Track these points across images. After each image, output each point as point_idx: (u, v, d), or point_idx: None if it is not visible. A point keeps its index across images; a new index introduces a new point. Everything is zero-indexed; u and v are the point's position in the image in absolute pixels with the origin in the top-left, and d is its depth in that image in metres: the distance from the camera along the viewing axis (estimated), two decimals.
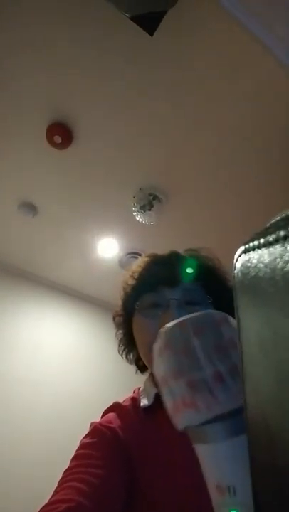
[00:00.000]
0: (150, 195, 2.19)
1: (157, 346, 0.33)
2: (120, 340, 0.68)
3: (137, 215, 2.25)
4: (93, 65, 1.68)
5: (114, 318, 0.69)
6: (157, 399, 0.59)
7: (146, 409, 0.60)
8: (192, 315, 0.32)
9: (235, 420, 0.28)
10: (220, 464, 0.29)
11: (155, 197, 2.20)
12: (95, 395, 2.54)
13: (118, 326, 0.68)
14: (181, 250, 0.67)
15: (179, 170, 2.12)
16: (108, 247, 2.65)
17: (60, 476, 0.51)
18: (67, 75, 1.72)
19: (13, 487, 2.02)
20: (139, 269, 0.64)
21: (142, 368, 0.68)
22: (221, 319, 0.32)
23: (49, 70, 1.70)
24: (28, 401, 2.33)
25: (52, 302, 2.93)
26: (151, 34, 1.36)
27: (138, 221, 2.31)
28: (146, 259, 0.66)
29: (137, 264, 0.67)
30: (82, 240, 2.63)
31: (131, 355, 0.69)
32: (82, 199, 2.33)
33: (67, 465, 0.52)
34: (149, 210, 2.21)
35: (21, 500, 1.98)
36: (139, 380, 0.70)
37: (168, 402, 0.31)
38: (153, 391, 0.61)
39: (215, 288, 0.61)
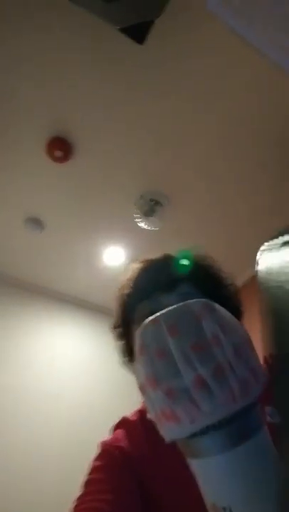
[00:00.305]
0: (151, 200, 2.20)
1: (136, 350, 0.30)
2: (121, 352, 0.66)
3: (140, 221, 2.26)
4: (87, 76, 1.71)
5: (112, 330, 0.67)
6: None
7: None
8: (167, 309, 0.28)
9: (229, 430, 0.24)
10: (214, 482, 0.26)
11: (156, 202, 2.21)
12: (111, 405, 2.51)
13: (117, 337, 0.66)
14: (174, 252, 0.65)
15: (177, 172, 2.14)
16: (114, 256, 2.66)
17: (74, 490, 0.51)
18: (63, 87, 1.76)
19: (24, 500, 2.01)
20: (133, 277, 0.62)
21: None
22: (201, 310, 0.27)
23: (46, 82, 1.74)
24: (43, 415, 2.33)
25: (63, 314, 2.94)
26: (141, 43, 1.39)
27: (142, 227, 2.32)
28: (138, 265, 0.64)
29: (130, 272, 0.64)
30: (89, 250, 2.64)
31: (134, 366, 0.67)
32: (86, 210, 2.35)
33: (82, 480, 0.52)
34: (152, 215, 2.22)
35: None
36: None
37: (150, 413, 0.28)
38: None
39: (211, 287, 0.59)
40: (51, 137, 1.94)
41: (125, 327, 0.62)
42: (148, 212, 2.22)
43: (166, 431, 0.27)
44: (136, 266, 0.64)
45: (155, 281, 0.58)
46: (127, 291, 0.61)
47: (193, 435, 0.25)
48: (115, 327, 0.66)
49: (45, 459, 2.18)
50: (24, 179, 2.17)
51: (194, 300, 0.29)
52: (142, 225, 2.28)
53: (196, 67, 1.67)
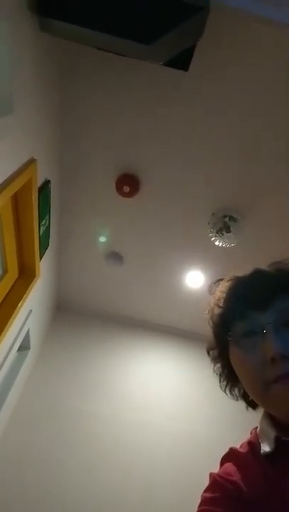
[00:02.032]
0: (224, 216, 2.13)
1: None
2: (220, 375, 0.62)
3: (216, 240, 2.19)
4: (146, 113, 1.82)
5: (208, 352, 0.64)
6: (279, 443, 0.51)
7: (267, 456, 0.52)
8: None
9: None
10: None
11: (230, 217, 2.12)
12: (211, 433, 2.38)
13: (214, 360, 0.62)
14: (264, 265, 0.60)
15: (247, 184, 2.03)
16: (196, 279, 2.61)
17: None
18: (126, 127, 1.90)
19: None
20: (224, 295, 0.58)
21: (251, 403, 0.61)
22: None
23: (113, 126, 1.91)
24: (143, 446, 2.33)
25: (152, 343, 3.00)
26: (186, 70, 1.42)
27: (218, 246, 2.24)
28: (228, 282, 0.60)
29: (221, 290, 0.60)
30: (170, 277, 2.66)
31: (236, 391, 0.62)
32: (161, 238, 2.41)
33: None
34: (227, 232, 2.13)
35: None
36: (257, 415, 0.61)
37: None
38: (272, 433, 0.53)
39: None
40: (119, 175, 2.09)
41: (221, 349, 0.59)
42: (223, 230, 2.14)
43: None
44: (225, 284, 0.61)
45: (248, 298, 0.54)
46: (218, 311, 0.58)
47: None
48: (211, 349, 0.63)
49: (152, 493, 2.13)
50: (99, 215, 2.35)
51: None
52: (218, 243, 2.20)
53: (249, 78, 1.62)
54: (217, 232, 2.13)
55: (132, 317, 3.07)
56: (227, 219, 2.12)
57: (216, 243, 2.22)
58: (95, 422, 2.37)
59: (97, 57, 1.66)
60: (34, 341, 2.45)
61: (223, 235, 2.12)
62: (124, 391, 2.60)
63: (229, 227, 2.11)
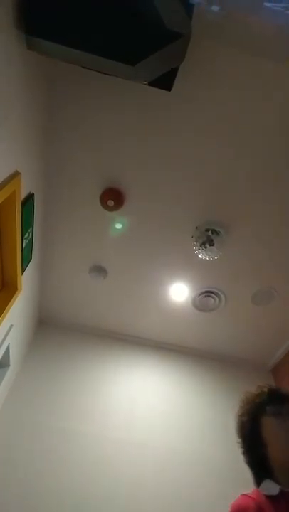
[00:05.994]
0: (207, 230, 2.18)
1: None
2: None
3: (199, 253, 2.23)
4: (130, 129, 1.86)
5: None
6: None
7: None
8: None
9: None
10: None
11: (213, 231, 2.17)
12: (198, 449, 2.34)
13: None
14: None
15: (230, 198, 2.10)
16: (180, 292, 2.63)
17: None
18: (112, 142, 1.93)
19: None
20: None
21: (262, 470, 0.83)
22: None
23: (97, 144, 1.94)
24: (133, 463, 2.26)
25: (138, 357, 2.96)
26: (170, 90, 1.47)
27: (202, 259, 2.28)
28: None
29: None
30: (154, 290, 2.67)
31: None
32: (144, 252, 2.43)
33: None
34: (210, 245, 2.18)
35: None
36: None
37: None
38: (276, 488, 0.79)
39: None
40: (104, 188, 2.10)
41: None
42: (206, 243, 2.19)
43: None
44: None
45: None
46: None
47: None
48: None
49: (134, 509, 2.06)
50: (86, 232, 2.35)
51: None
52: (201, 256, 2.24)
53: (226, 96, 1.70)
54: (200, 246, 2.17)
55: (116, 331, 3.03)
56: (210, 232, 2.17)
57: (200, 256, 2.26)
58: (78, 441, 2.30)
59: (83, 76, 1.70)
60: (14, 357, 2.37)
61: (206, 248, 2.17)
62: (108, 408, 2.54)
63: (212, 241, 2.15)
